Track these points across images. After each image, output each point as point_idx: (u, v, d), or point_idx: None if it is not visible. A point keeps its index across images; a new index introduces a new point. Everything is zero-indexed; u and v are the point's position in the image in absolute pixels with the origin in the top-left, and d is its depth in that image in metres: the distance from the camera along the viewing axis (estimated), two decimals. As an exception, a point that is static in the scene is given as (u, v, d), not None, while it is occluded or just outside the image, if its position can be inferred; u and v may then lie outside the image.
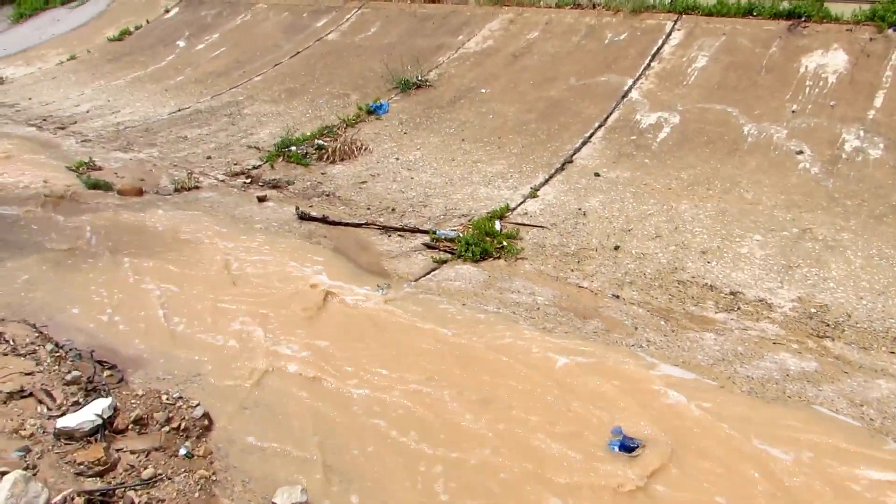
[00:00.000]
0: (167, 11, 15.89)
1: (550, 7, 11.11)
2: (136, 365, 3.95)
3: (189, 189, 7.63)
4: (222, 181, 7.91)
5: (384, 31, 12.05)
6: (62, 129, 10.39)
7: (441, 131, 8.59)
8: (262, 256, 5.73)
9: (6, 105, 12.02)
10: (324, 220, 6.54)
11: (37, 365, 3.64)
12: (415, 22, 12.00)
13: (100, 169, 8.29)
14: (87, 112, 11.21)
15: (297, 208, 6.74)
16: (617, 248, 5.71)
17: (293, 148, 8.48)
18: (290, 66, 11.77)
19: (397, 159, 8.04)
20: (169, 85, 12.09)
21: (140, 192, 7.50)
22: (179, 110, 10.76)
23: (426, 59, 10.62)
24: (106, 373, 3.71)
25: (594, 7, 10.62)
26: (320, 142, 8.68)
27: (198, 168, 8.31)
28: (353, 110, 9.64)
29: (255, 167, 8.28)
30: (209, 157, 8.67)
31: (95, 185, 7.56)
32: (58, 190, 7.19)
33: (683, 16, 9.56)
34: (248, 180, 7.88)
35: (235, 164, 8.39)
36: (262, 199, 7.21)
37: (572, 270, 5.44)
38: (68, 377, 3.55)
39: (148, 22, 15.70)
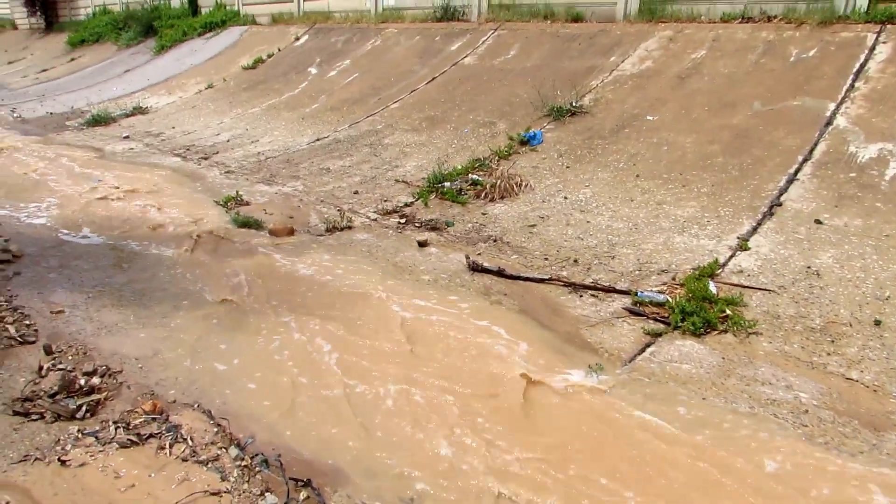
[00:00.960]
0: (297, 39, 15.70)
1: (715, 22, 9.86)
2: (335, 480, 3.14)
3: (341, 229, 6.95)
4: (374, 220, 7.19)
5: (525, 53, 11.15)
6: (205, 158, 10.10)
7: (609, 165, 7.55)
8: (439, 318, 4.88)
9: (152, 134, 11.97)
10: (500, 274, 5.64)
11: (222, 480, 2.89)
12: (558, 43, 11.03)
13: (247, 204, 7.78)
14: (228, 141, 10.92)
15: (468, 258, 5.88)
16: (878, 322, 4.47)
17: (446, 184, 7.67)
18: (427, 92, 11.07)
19: (565, 198, 7.05)
20: (305, 113, 11.67)
21: (291, 232, 6.88)
22: (318, 139, 10.26)
23: (576, 82, 9.62)
24: (302, 494, 2.90)
25: (770, 20, 9.30)
26: (475, 176, 7.84)
27: (346, 204, 7.65)
28: (502, 140, 8.76)
29: (406, 204, 7.53)
30: (356, 193, 8.01)
31: (246, 224, 7.01)
32: (209, 229, 6.67)
33: (887, 26, 8.10)
34: (403, 220, 7.12)
35: (385, 201, 7.67)
36: (423, 244, 6.41)
37: (828, 354, 4.26)
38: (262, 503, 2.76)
39: (279, 50, 15.54)
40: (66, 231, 6.60)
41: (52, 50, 23.52)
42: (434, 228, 6.88)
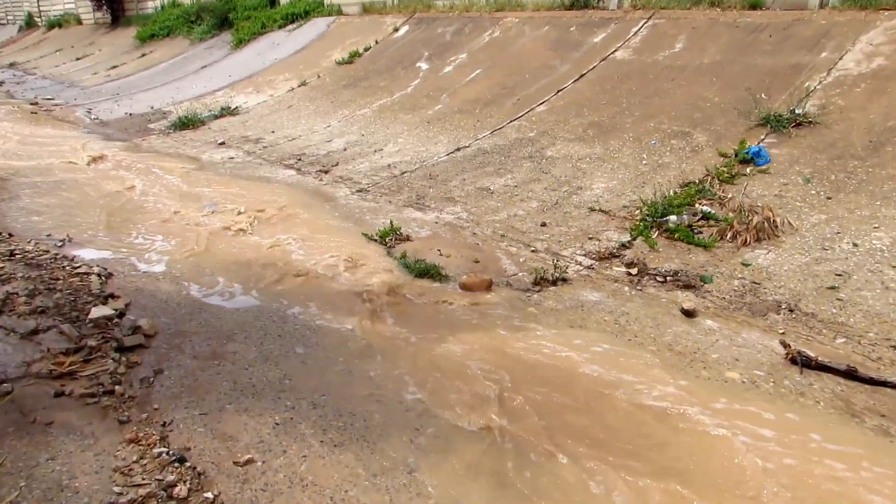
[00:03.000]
0: (395, 30, 13.83)
1: (964, 9, 7.64)
2: None
3: (554, 282, 5.04)
4: (590, 268, 5.28)
5: (696, 47, 9.08)
6: (325, 172, 8.30)
7: (891, 198, 5.49)
8: (805, 466, 2.94)
9: (250, 140, 10.23)
10: (852, 376, 3.65)
11: None
12: (738, 35, 8.92)
13: (407, 239, 5.94)
14: (345, 150, 9.11)
15: (787, 346, 3.92)
16: None
17: (672, 217, 5.69)
18: (578, 92, 9.08)
19: (854, 245, 5.04)
20: (428, 116, 9.79)
21: (489, 286, 5.01)
22: (458, 149, 8.36)
23: (781, 84, 7.61)
24: None
25: None
26: (704, 207, 5.87)
27: (537, 241, 5.81)
28: (710, 156, 6.78)
29: (623, 245, 5.60)
30: (543, 225, 6.10)
31: (425, 272, 5.20)
32: (381, 281, 4.87)
33: None
34: (632, 270, 5.18)
35: (590, 238, 5.75)
36: (690, 314, 4.48)
37: None
38: None
39: (377, 43, 13.70)
40: (198, 287, 4.84)
41: (121, 45, 22.10)
42: (685, 285, 4.93)
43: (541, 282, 5.16)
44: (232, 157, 9.46)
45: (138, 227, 6.31)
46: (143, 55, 19.53)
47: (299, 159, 9.08)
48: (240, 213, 6.85)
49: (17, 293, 4.44)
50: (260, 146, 9.98)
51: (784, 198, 5.93)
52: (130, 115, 13.09)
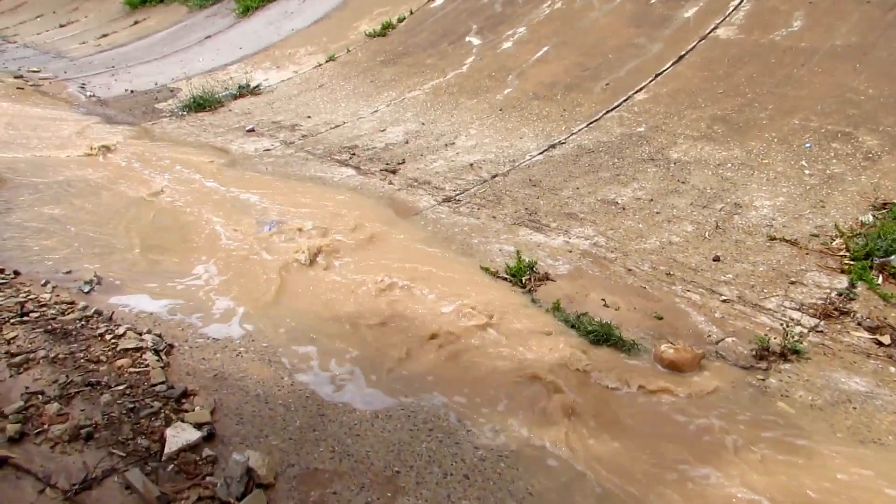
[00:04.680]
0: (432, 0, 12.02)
1: None
2: None
3: (783, 355, 3.54)
4: (818, 330, 3.78)
5: (820, 25, 7.54)
6: (391, 171, 6.68)
7: None
8: None
9: (284, 127, 8.49)
10: None
11: None
12: (872, 11, 7.43)
13: (547, 278, 4.38)
14: (407, 143, 7.45)
15: None
16: None
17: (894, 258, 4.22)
18: (682, 78, 7.51)
19: None
20: (497, 101, 8.14)
21: (699, 363, 3.47)
22: (552, 146, 6.78)
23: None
24: None
25: None
26: (936, 241, 4.36)
27: (720, 283, 4.39)
28: (892, 166, 5.33)
29: (842, 294, 4.11)
30: (717, 260, 4.61)
31: (602, 338, 3.63)
32: (548, 355, 3.35)
33: None
34: (884, 337, 3.69)
35: (792, 283, 4.26)
36: None
37: None
38: None
39: (412, 13, 11.90)
40: (302, 368, 3.27)
41: (108, 11, 19.81)
42: (975, 364, 3.43)
43: (765, 354, 3.65)
44: (268, 149, 7.75)
45: (183, 258, 4.66)
46: (136, 22, 17.38)
47: (353, 153, 7.41)
48: (304, 231, 5.21)
49: (43, 394, 2.82)
50: (298, 135, 8.26)
51: None
52: (132, 91, 11.21)
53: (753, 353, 3.73)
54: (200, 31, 15.29)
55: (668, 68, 7.89)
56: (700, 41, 8.20)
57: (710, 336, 3.89)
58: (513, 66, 9.12)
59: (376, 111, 8.77)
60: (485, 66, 9.41)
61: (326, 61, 11.16)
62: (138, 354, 3.21)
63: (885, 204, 5.02)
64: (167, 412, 2.81)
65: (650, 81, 7.75)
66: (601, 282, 4.50)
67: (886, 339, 3.77)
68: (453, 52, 10.15)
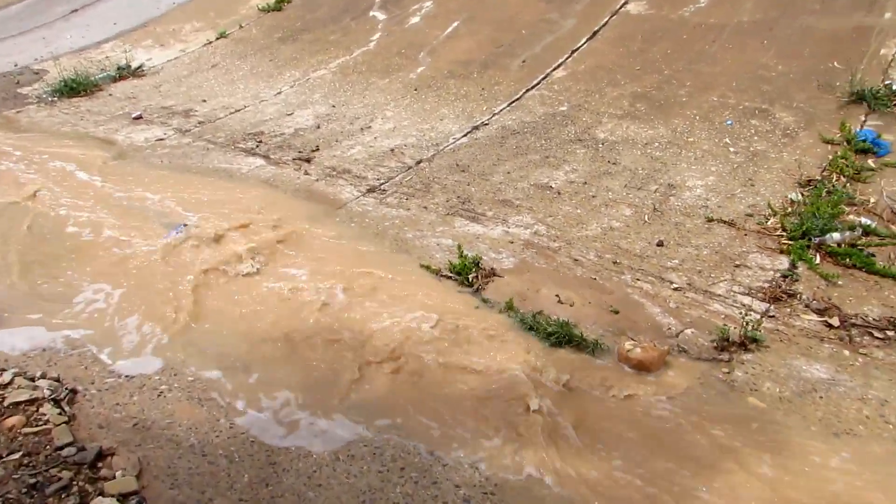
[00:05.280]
0: (328, -30, 11.27)
1: None
2: None
3: (742, 344, 3.52)
4: (770, 315, 3.79)
5: (726, 2, 7.70)
6: (306, 160, 6.17)
7: None
8: None
9: (177, 112, 7.66)
10: None
11: None
12: (775, -12, 7.63)
13: (493, 274, 4.13)
14: (318, 127, 6.92)
15: None
16: None
17: (834, 235, 4.33)
18: (598, 54, 7.45)
19: None
20: (411, 80, 7.74)
21: (663, 359, 3.36)
22: (475, 128, 6.50)
23: (849, 51, 6.54)
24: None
25: None
26: (863, 220, 4.53)
27: (669, 270, 4.31)
28: (809, 142, 5.61)
29: (785, 276, 4.13)
30: (661, 245, 4.55)
31: (561, 339, 3.44)
32: (509, 363, 3.10)
33: None
34: (832, 319, 3.76)
35: (737, 266, 4.27)
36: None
37: None
38: None
39: (308, -16, 11.12)
40: (239, 403, 2.82)
41: (-52, -24, 17.23)
42: (919, 340, 3.54)
43: (725, 345, 3.57)
44: (161, 139, 6.94)
45: (75, 275, 3.96)
46: (-16, -8, 15.20)
47: (259, 141, 6.76)
48: (218, 235, 4.62)
49: None
50: (194, 121, 7.46)
51: (941, 200, 4.67)
52: (-13, 74, 9.74)
53: (714, 344, 3.63)
54: (65, 4, 13.61)
55: (583, 44, 7.76)
56: (612, 16, 8.14)
57: (669, 329, 3.76)
58: (423, 42, 8.69)
59: (280, 93, 8.08)
60: (393, 42, 8.91)
61: (217, 38, 10.21)
62: (33, 408, 2.61)
63: (809, 181, 5.11)
64: (81, 483, 2.26)
65: (567, 58, 7.59)
66: (550, 275, 4.26)
67: (835, 321, 3.78)
68: (357, 28, 9.56)
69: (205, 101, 8.08)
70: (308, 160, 6.25)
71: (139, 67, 9.42)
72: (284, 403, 2.93)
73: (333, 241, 4.70)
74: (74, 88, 8.59)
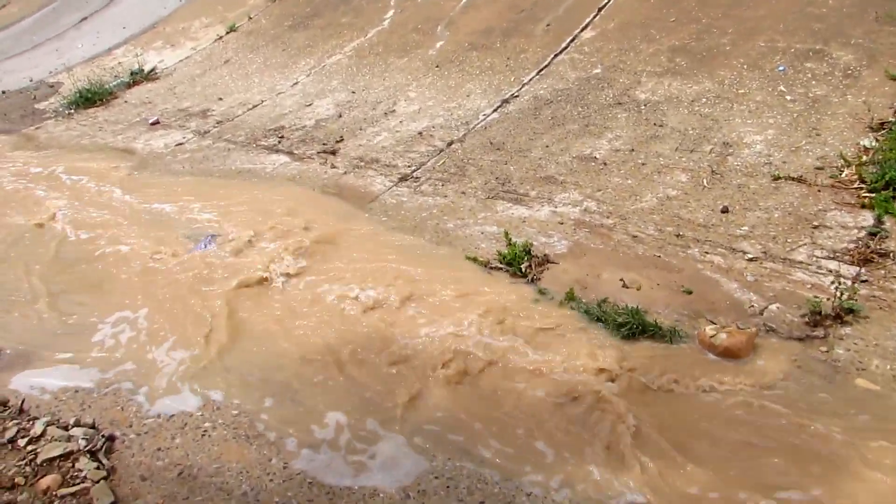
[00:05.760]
0: (332, -51, 10.75)
1: None
2: None
3: (838, 317, 3.08)
4: (862, 280, 3.34)
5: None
6: (331, 152, 5.81)
7: None
8: None
9: (193, 114, 7.36)
10: None
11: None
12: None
13: (547, 260, 3.74)
14: (340, 116, 6.54)
15: None
16: None
17: (922, 184, 3.81)
18: (628, 9, 6.95)
19: None
20: (432, 57, 7.29)
21: (753, 342, 2.95)
22: (505, 101, 6.06)
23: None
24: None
25: None
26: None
27: (740, 239, 3.88)
28: (875, 80, 5.08)
29: (873, 233, 3.65)
30: (725, 211, 4.10)
31: (635, 330, 3.04)
32: (583, 366, 2.73)
33: None
34: None
35: (815, 227, 3.81)
36: None
37: None
38: None
39: (312, -33, 10.62)
40: (294, 449, 2.51)
41: (-42, -2, 17.14)
42: None
43: (818, 320, 3.14)
44: (180, 143, 6.66)
45: (103, 302, 3.69)
46: (-6, 10, 15.07)
47: (281, 136, 6.43)
48: (248, 242, 4.31)
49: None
50: (212, 121, 7.16)
51: None
52: (3, 92, 9.60)
53: (805, 319, 3.22)
54: (75, 13, 13.39)
55: (609, 0, 7.20)
56: (636, -34, 7.51)
57: (751, 306, 3.35)
58: (439, 15, 8.21)
59: (296, 83, 7.72)
60: (408, 18, 8.45)
61: (227, 33, 9.86)
62: (69, 464, 2.34)
63: (882, 124, 4.59)
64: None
65: (594, 17, 7.06)
66: (608, 256, 3.87)
67: (937, 282, 3.31)
68: (369, 7, 9.10)
69: (221, 99, 7.76)
70: (333, 152, 5.91)
71: (152, 70, 9.14)
72: (339, 432, 2.62)
73: (370, 238, 4.36)
74: (90, 98, 8.37)
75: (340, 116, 6.63)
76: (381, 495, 2.35)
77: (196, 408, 2.80)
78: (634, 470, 2.37)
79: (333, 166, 5.66)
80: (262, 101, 7.44)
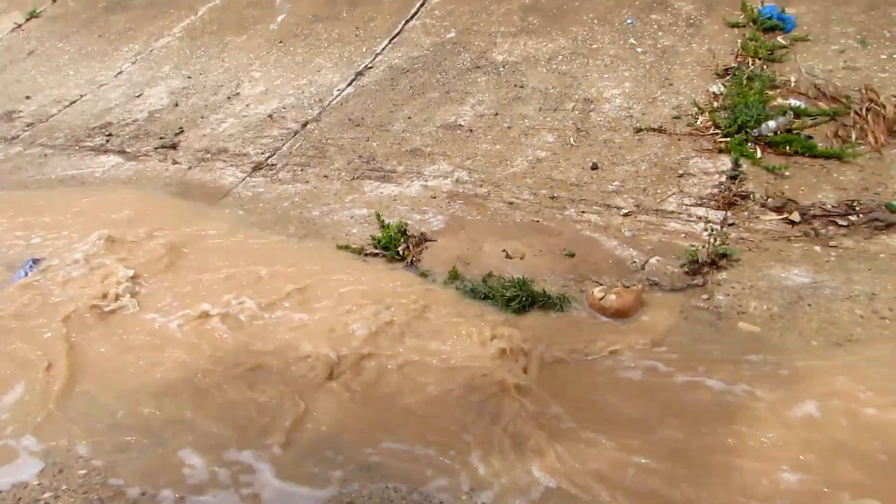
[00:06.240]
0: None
1: None
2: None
3: (713, 263, 3.23)
4: (729, 224, 3.51)
5: None
6: (171, 147, 5.27)
7: None
8: None
9: (-1, 116, 6.36)
10: None
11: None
12: None
13: (424, 239, 3.60)
14: (177, 105, 5.94)
15: None
16: None
17: (770, 124, 4.10)
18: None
19: None
20: (272, 33, 6.81)
21: (639, 300, 3.00)
22: (359, 74, 5.79)
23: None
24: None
25: None
26: (793, 102, 4.32)
27: (613, 195, 3.92)
28: (715, 28, 5.38)
29: (733, 177, 3.86)
30: (595, 168, 4.14)
31: (524, 302, 2.99)
32: (478, 353, 2.69)
33: None
34: (793, 215, 3.52)
35: (680, 175, 3.94)
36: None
37: None
38: None
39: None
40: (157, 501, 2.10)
41: None
42: (884, 224, 3.37)
43: (696, 268, 3.22)
44: (-15, 153, 5.69)
45: None
46: None
47: (109, 134, 5.70)
48: (79, 262, 3.73)
49: None
50: (20, 124, 6.22)
51: (858, 70, 4.51)
52: None
53: (685, 269, 3.26)
54: None
55: (452, -39, 6.99)
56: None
57: (633, 262, 3.34)
58: (274, -14, 7.62)
59: (121, 73, 6.88)
60: (241, -9, 7.78)
61: (27, 20, 8.63)
62: None
63: (726, 70, 4.80)
64: None
65: (436, -22, 6.83)
66: (487, 227, 3.72)
67: (796, 216, 3.50)
68: (194, -19, 8.28)
69: (29, 97, 6.76)
70: (173, 146, 5.30)
71: (-62, 69, 7.77)
72: (213, 475, 2.26)
73: (226, 239, 3.91)
74: None
75: (177, 105, 5.97)
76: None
77: (33, 475, 2.30)
78: (546, 456, 2.23)
79: (175, 162, 5.07)
80: (82, 96, 6.55)
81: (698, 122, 4.36)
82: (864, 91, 4.24)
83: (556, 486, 2.13)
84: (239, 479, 2.22)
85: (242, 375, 2.71)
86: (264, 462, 2.27)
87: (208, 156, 5.05)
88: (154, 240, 3.87)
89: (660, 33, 5.34)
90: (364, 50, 6.14)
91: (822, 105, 4.27)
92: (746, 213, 3.61)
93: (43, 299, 3.32)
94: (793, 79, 4.58)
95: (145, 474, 2.27)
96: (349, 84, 5.66)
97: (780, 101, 4.34)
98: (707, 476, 2.12)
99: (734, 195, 3.73)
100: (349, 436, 2.39)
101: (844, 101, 4.20)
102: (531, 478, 2.16)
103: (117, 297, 3.34)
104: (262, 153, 4.93)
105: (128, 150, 5.36)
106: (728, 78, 4.70)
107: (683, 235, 3.49)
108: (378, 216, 3.79)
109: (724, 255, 3.28)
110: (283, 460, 2.31)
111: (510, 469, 2.19)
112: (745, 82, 4.57)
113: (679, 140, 4.25)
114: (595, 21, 5.68)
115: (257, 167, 4.78)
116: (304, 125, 5.19)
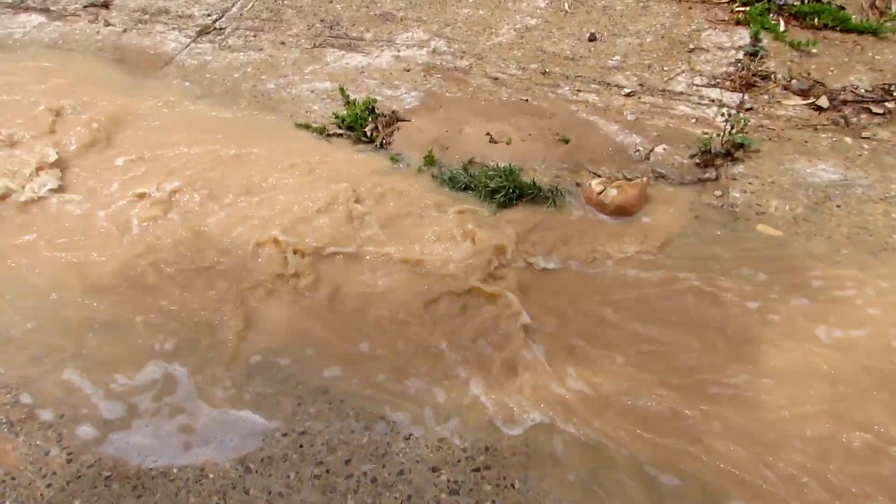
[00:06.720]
0: None
1: None
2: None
3: (728, 154, 2.84)
4: (747, 108, 3.09)
5: None
6: (101, 6, 4.66)
7: None
8: None
9: None
10: None
11: None
12: None
13: (396, 119, 3.13)
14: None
15: None
16: None
17: (798, -13, 3.54)
18: None
19: None
20: None
21: (644, 194, 2.61)
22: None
23: None
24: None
25: None
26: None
27: (614, 72, 3.46)
28: None
29: (751, 53, 3.41)
30: (593, 39, 3.64)
31: (511, 194, 2.59)
32: (461, 256, 2.30)
33: None
34: (821, 100, 3.13)
35: (691, 50, 3.48)
36: None
37: None
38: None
39: None
40: (82, 421, 1.76)
41: None
42: (921, 105, 2.97)
43: (709, 159, 2.81)
44: None
45: None
46: None
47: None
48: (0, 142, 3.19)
49: None
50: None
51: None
52: None
53: (696, 160, 2.84)
54: None
55: None
56: None
57: (636, 151, 2.92)
58: None
59: (42, -87, 5.83)
60: None
61: None
62: None
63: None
64: None
65: None
66: (469, 106, 3.23)
67: (824, 102, 3.06)
68: None
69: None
70: (105, 5, 4.57)
71: None
72: (143, 391, 1.91)
73: (167, 113, 3.36)
74: None
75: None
76: (211, 476, 1.73)
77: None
78: (536, 384, 1.91)
79: (108, 23, 4.37)
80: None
81: (715, -11, 3.77)
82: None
83: (545, 419, 1.82)
84: (174, 400, 1.87)
85: (176, 275, 2.31)
86: (204, 380, 1.92)
87: (146, 16, 4.35)
88: (83, 115, 3.31)
89: None
90: None
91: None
92: (767, 97, 3.17)
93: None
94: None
95: (63, 392, 1.92)
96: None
97: (807, -36, 3.75)
98: (719, 406, 1.83)
99: (753, 75, 3.26)
100: (305, 351, 2.04)
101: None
102: (519, 409, 1.85)
103: (40, 184, 2.84)
104: (209, 15, 4.25)
105: (52, 7, 4.61)
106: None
107: (694, 121, 3.05)
108: (342, 91, 3.27)
109: (740, 145, 2.87)
110: (229, 378, 1.96)
111: (495, 400, 1.88)
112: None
113: (690, 8, 3.70)
114: None
115: (203, 31, 4.13)
116: (251, -18, 4.46)
